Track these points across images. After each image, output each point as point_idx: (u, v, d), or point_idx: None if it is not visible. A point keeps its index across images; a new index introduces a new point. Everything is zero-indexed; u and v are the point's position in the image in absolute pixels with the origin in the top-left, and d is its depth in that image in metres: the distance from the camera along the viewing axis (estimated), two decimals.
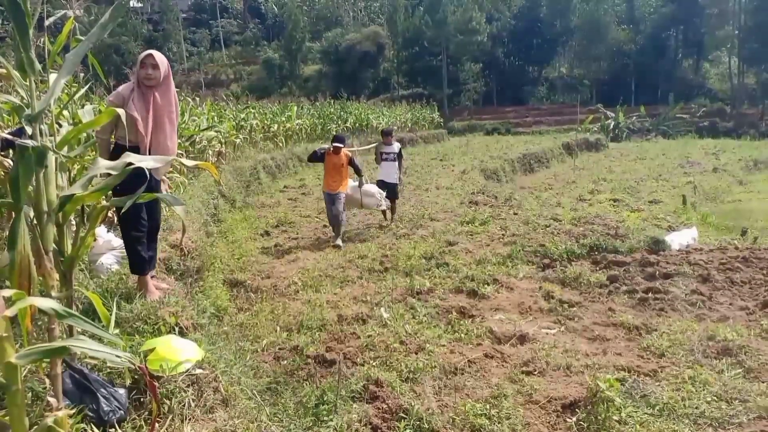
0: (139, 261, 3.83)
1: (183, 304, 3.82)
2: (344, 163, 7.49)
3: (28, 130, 2.13)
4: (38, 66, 2.20)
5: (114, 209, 4.28)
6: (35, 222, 2.17)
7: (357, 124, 22.42)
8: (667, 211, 9.95)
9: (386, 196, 8.24)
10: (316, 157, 7.75)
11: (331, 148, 7.43)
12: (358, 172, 7.69)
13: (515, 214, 8.91)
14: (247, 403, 3.02)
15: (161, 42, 49.03)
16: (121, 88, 3.71)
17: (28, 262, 1.88)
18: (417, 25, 43.15)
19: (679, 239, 6.71)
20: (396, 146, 8.51)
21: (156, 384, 2.15)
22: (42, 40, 2.81)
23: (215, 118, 12.71)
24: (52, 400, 2.02)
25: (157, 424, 2.45)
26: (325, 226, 8.23)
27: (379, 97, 40.09)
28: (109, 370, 2.74)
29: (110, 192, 2.72)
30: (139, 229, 3.82)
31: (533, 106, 43.76)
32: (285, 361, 3.92)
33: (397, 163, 8.49)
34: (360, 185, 7.83)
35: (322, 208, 8.73)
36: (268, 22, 60.83)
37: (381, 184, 8.38)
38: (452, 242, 7.10)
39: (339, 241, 7.30)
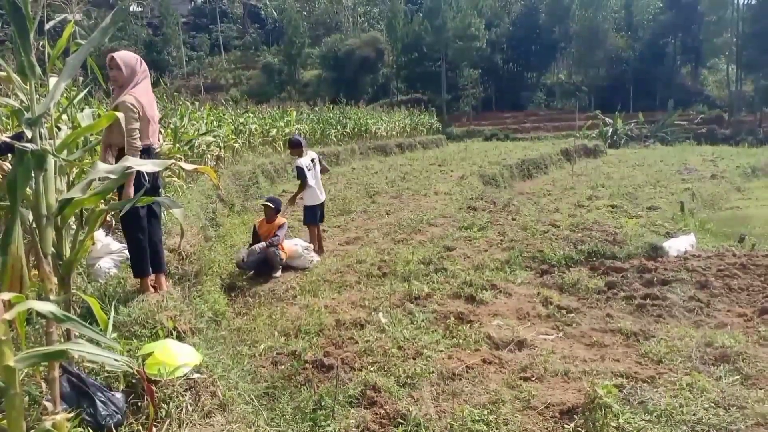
0: (163, 258, 4.24)
1: (181, 308, 3.82)
2: (275, 231, 6.42)
3: (28, 133, 2.14)
4: (38, 70, 2.21)
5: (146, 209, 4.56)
6: (34, 225, 2.18)
7: (356, 129, 22.45)
8: (665, 217, 9.94)
9: (317, 221, 7.13)
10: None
11: (264, 217, 6.50)
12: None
13: (513, 219, 8.92)
14: (244, 408, 3.02)
15: (161, 46, 49.17)
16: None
17: (21, 265, 1.88)
18: (416, 31, 43.34)
19: (677, 246, 6.71)
20: (303, 160, 6.86)
21: (154, 388, 2.14)
22: (42, 43, 2.82)
23: (214, 122, 12.74)
24: (48, 404, 2.01)
25: (154, 429, 2.45)
26: (324, 230, 8.20)
27: (378, 103, 40.21)
28: (106, 374, 2.74)
29: (109, 195, 2.74)
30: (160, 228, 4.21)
31: (532, 112, 43.95)
32: (283, 366, 3.91)
33: (312, 173, 6.91)
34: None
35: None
36: (267, 27, 61.05)
37: (319, 208, 7.14)
38: (450, 247, 7.09)
39: (278, 273, 6.26)
